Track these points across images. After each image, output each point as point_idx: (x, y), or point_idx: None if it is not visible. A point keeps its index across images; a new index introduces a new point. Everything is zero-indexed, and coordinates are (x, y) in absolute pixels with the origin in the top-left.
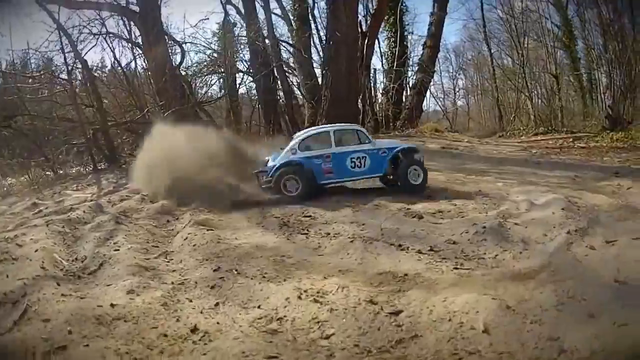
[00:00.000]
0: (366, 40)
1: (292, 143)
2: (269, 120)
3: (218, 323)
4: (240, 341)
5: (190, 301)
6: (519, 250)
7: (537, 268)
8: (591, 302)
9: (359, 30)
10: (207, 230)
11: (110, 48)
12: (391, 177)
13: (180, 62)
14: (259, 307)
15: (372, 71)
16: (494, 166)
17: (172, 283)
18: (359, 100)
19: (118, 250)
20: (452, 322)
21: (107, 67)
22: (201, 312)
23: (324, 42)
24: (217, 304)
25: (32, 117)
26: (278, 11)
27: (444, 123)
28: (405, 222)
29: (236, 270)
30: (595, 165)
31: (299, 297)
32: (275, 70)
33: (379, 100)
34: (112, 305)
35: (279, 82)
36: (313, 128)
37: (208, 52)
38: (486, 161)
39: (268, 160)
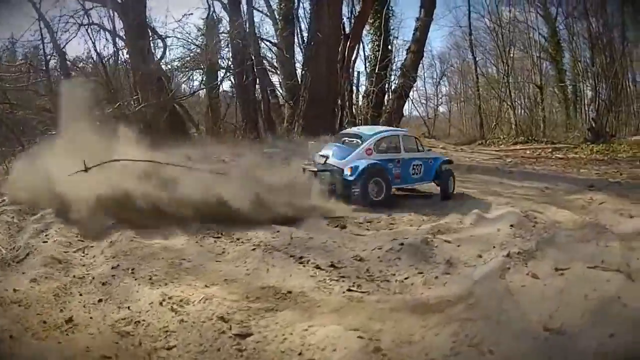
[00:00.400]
0: (348, 43)
1: (367, 142)
2: (246, 120)
3: (91, 318)
4: (92, 337)
5: (80, 295)
6: (436, 275)
7: (452, 299)
8: (498, 358)
9: (342, 32)
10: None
11: (91, 40)
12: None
13: (162, 56)
14: (128, 308)
15: (355, 74)
16: (460, 174)
17: (74, 276)
18: (338, 102)
19: (46, 242)
20: (301, 356)
21: (91, 59)
22: (84, 306)
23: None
24: (100, 300)
25: (12, 105)
26: (266, 10)
27: (423, 129)
28: (325, 231)
29: (132, 270)
30: (569, 177)
31: (161, 304)
32: (254, 68)
33: (360, 103)
34: (14, 290)
35: (257, 80)
36: (381, 128)
37: (192, 47)
38: (455, 169)
39: (326, 157)
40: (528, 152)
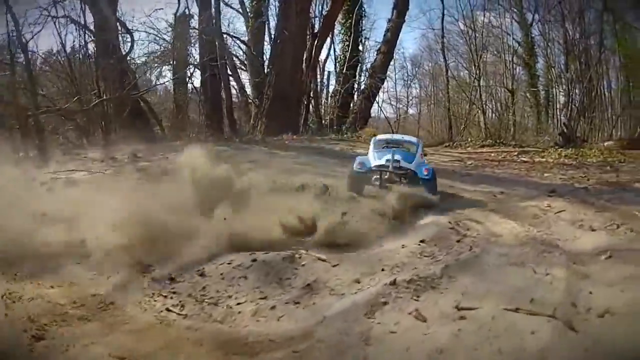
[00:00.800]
0: (316, 41)
1: (419, 148)
2: (209, 117)
3: None
4: None
5: None
6: (277, 304)
7: (279, 340)
8: None
9: (311, 30)
10: None
11: (58, 33)
12: None
13: (129, 51)
14: None
15: (326, 74)
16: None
17: None
18: (303, 101)
19: None
20: None
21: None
22: None
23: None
24: None
25: None
26: (238, 7)
27: (391, 130)
28: None
29: None
30: (530, 182)
31: None
32: (218, 65)
33: (328, 103)
34: None
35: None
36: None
37: (161, 42)
38: None
39: (398, 160)
40: (493, 154)
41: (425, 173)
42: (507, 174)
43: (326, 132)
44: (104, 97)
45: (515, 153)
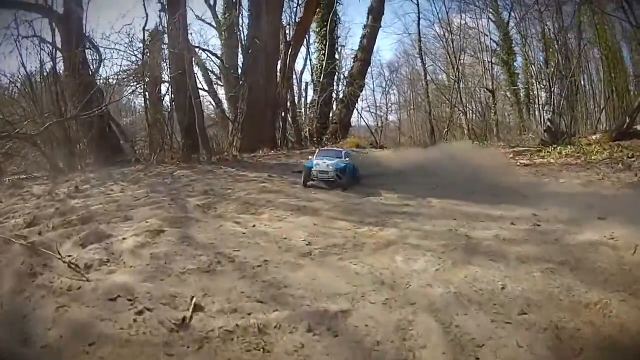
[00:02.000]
0: (290, 50)
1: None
2: (184, 138)
3: None
4: None
5: None
6: None
7: None
8: None
9: (284, 39)
10: None
11: (19, 53)
12: None
13: (97, 68)
14: None
15: (304, 85)
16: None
17: None
18: (280, 113)
19: None
20: None
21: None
22: None
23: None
24: None
25: None
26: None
27: (374, 139)
28: None
29: None
30: (552, 194)
31: None
32: (187, 80)
33: (307, 114)
34: None
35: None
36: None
37: (133, 59)
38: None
39: None
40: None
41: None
42: (518, 183)
43: (306, 144)
44: (64, 118)
45: (510, 155)
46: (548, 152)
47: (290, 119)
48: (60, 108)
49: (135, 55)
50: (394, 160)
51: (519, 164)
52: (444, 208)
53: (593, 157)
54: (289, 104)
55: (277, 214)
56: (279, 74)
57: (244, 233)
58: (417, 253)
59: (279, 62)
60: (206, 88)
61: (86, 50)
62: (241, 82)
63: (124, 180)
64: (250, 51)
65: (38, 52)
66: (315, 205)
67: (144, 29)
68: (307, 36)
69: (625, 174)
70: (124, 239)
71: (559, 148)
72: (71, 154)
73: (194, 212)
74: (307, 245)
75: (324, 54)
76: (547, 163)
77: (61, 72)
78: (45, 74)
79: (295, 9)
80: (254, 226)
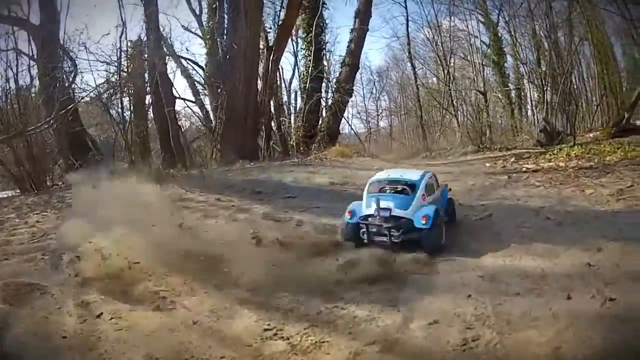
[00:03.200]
0: (272, 55)
1: (420, 189)
2: (163, 149)
3: None
4: None
5: None
6: None
7: None
8: None
9: (266, 44)
10: None
11: None
12: None
13: (72, 80)
14: None
15: (292, 94)
16: None
17: None
18: (262, 122)
19: None
20: None
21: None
22: None
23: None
24: None
25: None
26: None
27: (362, 146)
28: None
29: None
30: (592, 214)
31: None
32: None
33: (293, 122)
34: None
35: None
36: (417, 172)
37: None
38: None
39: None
40: (488, 164)
41: (424, 222)
42: (539, 197)
43: (292, 154)
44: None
45: (511, 159)
46: (554, 153)
47: (274, 128)
48: (23, 123)
49: (115, 66)
50: None
51: (524, 169)
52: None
53: (607, 158)
54: (273, 111)
55: None
56: (260, 81)
57: None
58: None
59: (260, 68)
60: (192, 99)
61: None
62: (219, 91)
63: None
64: (228, 57)
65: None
66: None
67: (120, 37)
68: (294, 43)
69: None
70: None
71: (565, 149)
72: (38, 171)
73: None
74: None
75: (310, 59)
76: (556, 167)
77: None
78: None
79: (278, 13)
80: None
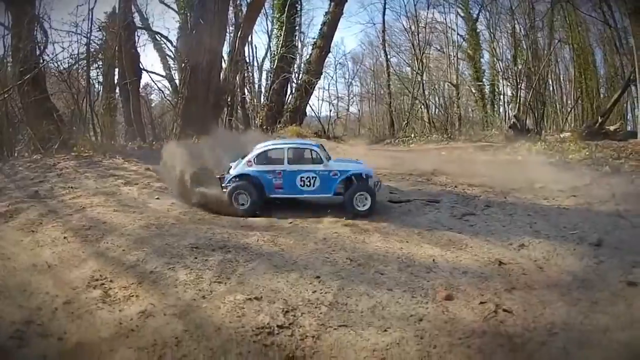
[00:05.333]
0: (239, 32)
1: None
2: (127, 122)
3: None
4: None
5: None
6: None
7: None
8: None
9: (233, 20)
10: None
11: None
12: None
13: (43, 50)
14: None
15: (264, 74)
16: None
17: None
18: (226, 100)
19: None
20: None
21: None
22: None
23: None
24: None
25: None
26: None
27: (339, 128)
28: None
29: None
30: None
31: None
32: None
33: (262, 102)
34: None
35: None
36: (270, 142)
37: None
38: None
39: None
40: (444, 153)
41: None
42: (480, 187)
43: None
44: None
45: (470, 150)
46: (514, 148)
47: (239, 104)
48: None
49: (86, 37)
50: None
51: (480, 160)
52: None
53: (570, 157)
54: (238, 89)
55: None
56: (226, 58)
57: None
58: None
59: (228, 45)
60: (163, 73)
61: (36, 32)
62: (182, 66)
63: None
64: (194, 32)
65: None
66: None
67: (92, 8)
68: (269, 23)
69: (615, 179)
70: None
71: (527, 144)
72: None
73: None
74: None
75: (281, 40)
76: (513, 160)
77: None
78: None
79: None
80: None
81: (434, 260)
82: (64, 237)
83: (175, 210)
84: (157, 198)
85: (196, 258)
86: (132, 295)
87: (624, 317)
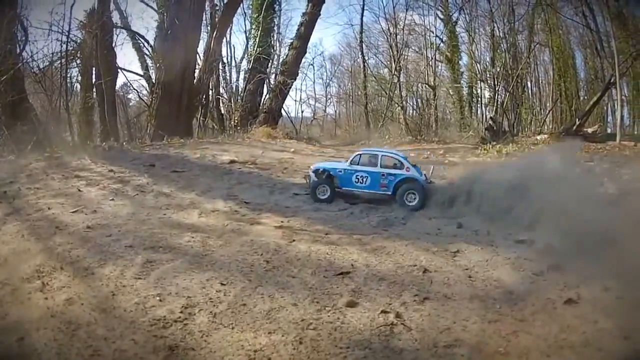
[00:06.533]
0: (214, 32)
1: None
2: (102, 122)
3: None
4: None
5: None
6: None
7: None
8: None
9: (211, 21)
10: None
11: None
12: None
13: (22, 49)
14: None
15: (242, 74)
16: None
17: None
18: (200, 100)
19: None
20: None
21: None
22: None
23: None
24: None
25: None
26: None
27: (316, 129)
28: None
29: None
30: None
31: None
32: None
33: (237, 103)
34: None
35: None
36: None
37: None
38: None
39: None
40: (412, 154)
41: None
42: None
43: (232, 132)
44: None
45: (441, 152)
46: (485, 149)
47: (213, 105)
48: None
49: (65, 36)
50: None
51: (446, 161)
52: None
53: None
54: (212, 89)
55: None
56: (201, 58)
57: None
58: None
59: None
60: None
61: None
62: (157, 65)
63: None
64: (169, 32)
65: None
66: None
67: (71, 6)
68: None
69: None
70: None
71: (498, 146)
72: None
73: None
74: None
75: (257, 40)
76: (481, 162)
77: None
78: None
79: None
80: None
81: (352, 265)
82: (22, 235)
83: (124, 212)
84: (112, 199)
85: (126, 256)
86: (65, 286)
87: (552, 340)
